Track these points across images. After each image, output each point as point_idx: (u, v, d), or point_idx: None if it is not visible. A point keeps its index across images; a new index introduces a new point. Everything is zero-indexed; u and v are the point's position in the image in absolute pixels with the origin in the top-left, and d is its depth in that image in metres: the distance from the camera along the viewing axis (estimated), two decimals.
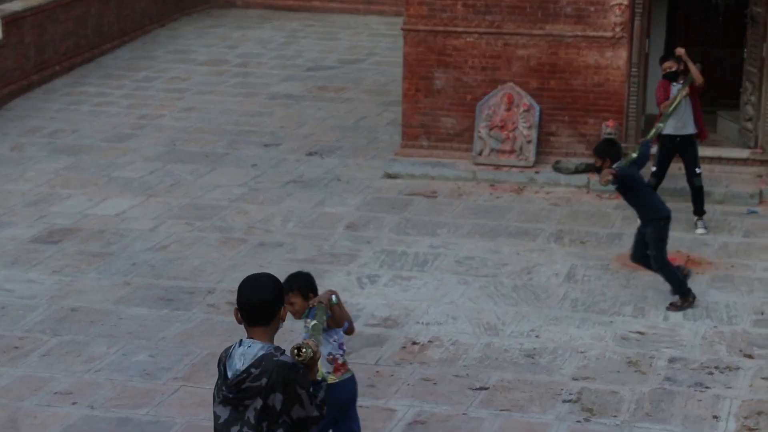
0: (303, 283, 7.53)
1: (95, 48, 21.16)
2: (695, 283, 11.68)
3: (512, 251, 12.82)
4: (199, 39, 22.84)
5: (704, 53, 16.56)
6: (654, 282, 11.83)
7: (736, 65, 15.83)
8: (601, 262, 12.49)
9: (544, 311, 11.32)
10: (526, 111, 15.07)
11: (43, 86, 19.37)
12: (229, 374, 5.52)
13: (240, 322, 5.67)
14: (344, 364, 7.67)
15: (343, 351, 7.64)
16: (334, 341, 7.57)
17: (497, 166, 15.14)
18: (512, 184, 14.91)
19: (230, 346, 5.66)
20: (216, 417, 5.59)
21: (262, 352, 5.53)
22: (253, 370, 5.46)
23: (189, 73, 20.38)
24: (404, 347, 10.59)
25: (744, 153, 14.94)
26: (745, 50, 15.13)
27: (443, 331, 10.90)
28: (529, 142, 15.10)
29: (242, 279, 5.73)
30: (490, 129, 15.17)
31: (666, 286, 11.46)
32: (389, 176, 15.21)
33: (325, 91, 19.41)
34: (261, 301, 5.56)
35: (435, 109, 15.45)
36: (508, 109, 15.11)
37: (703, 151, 14.93)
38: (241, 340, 5.62)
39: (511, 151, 15.14)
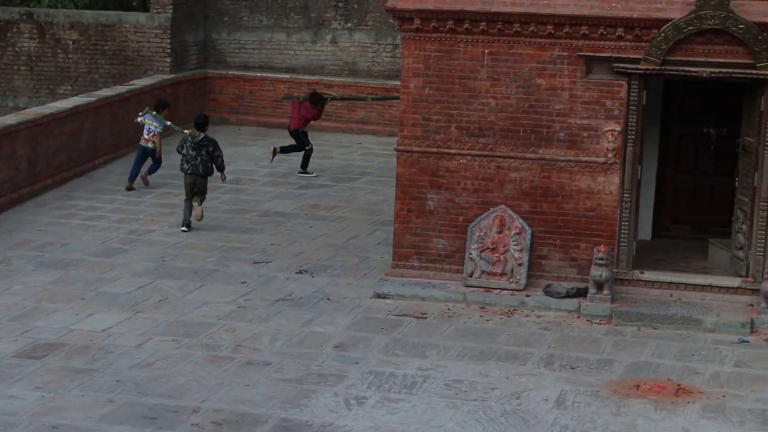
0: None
1: (88, 162, 21.22)
2: (687, 413, 11.52)
3: (502, 375, 12.67)
4: None
5: (695, 181, 16.66)
6: (644, 410, 11.67)
7: (727, 194, 15.89)
8: (591, 388, 12.34)
9: None
10: (518, 234, 15.05)
11: (34, 199, 19.38)
12: (197, 140, 17.90)
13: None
14: (146, 139, 20.29)
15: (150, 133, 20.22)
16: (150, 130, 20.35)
17: (488, 289, 15.07)
18: (503, 306, 14.83)
19: (186, 138, 18.14)
20: (190, 154, 17.93)
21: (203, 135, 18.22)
22: (206, 139, 18.01)
23: (179, 189, 20.37)
24: None
25: (735, 282, 14.87)
26: (737, 179, 15.18)
27: None
28: (520, 265, 15.05)
29: None
30: (482, 251, 15.13)
31: None
32: (379, 296, 15.12)
33: (316, 209, 19.43)
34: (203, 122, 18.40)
35: (426, 230, 15.43)
36: (500, 232, 15.09)
37: (695, 279, 14.97)
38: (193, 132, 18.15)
39: (502, 274, 15.09)
